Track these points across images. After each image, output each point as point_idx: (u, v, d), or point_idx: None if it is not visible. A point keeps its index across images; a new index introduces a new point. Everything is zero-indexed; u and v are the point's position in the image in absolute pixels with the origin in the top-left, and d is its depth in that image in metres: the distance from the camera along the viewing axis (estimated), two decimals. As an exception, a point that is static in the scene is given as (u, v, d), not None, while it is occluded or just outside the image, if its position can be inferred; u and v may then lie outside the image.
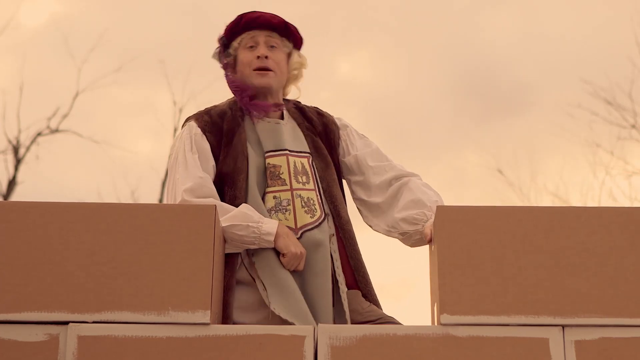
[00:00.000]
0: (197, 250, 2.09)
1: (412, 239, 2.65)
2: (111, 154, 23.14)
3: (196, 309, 2.04)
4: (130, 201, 15.71)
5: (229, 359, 2.01)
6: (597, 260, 2.08)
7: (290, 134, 2.77)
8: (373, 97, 19.24)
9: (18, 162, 15.71)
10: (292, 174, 2.68)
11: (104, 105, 18.98)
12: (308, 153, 2.76)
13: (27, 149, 15.88)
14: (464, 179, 19.14)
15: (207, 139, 2.69)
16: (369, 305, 2.67)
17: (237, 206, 2.55)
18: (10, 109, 17.20)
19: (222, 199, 2.61)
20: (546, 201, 15.91)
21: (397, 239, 2.73)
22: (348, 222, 2.74)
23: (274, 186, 2.65)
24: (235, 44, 2.82)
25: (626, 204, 14.47)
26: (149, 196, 16.75)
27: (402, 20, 19.20)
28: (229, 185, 2.63)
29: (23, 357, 2.00)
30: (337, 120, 2.91)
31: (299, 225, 2.61)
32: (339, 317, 2.58)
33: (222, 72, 2.84)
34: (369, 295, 2.69)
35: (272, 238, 2.52)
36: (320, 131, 2.84)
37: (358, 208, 2.84)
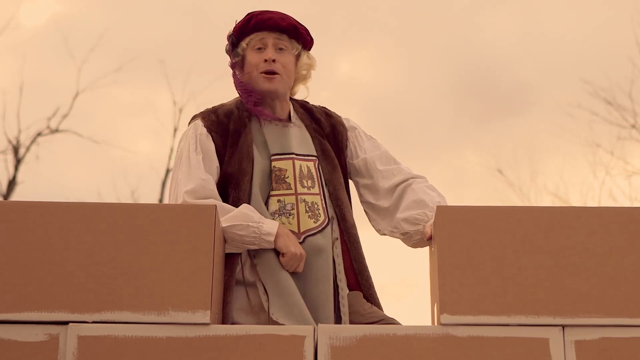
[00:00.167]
0: (197, 250, 2.09)
1: (413, 239, 2.65)
2: (111, 154, 23.15)
3: (196, 309, 2.04)
4: (130, 201, 15.71)
5: (229, 359, 2.01)
6: (597, 260, 2.08)
7: (297, 136, 2.76)
8: (373, 97, 19.25)
9: (18, 162, 15.71)
10: (297, 178, 2.67)
11: (104, 105, 19.00)
12: (314, 156, 2.75)
13: (27, 149, 15.89)
14: (464, 179, 19.15)
15: (213, 139, 2.68)
16: (371, 307, 2.67)
17: None
18: (10, 109, 17.21)
19: (226, 200, 2.60)
20: (546, 201, 15.91)
21: (399, 240, 2.73)
22: (353, 225, 2.74)
23: (279, 190, 2.65)
24: (243, 44, 2.78)
25: (626, 204, 14.47)
26: (149, 196, 16.76)
27: (402, 20, 19.20)
28: (233, 186, 2.62)
29: (23, 357, 2.00)
30: (345, 122, 2.89)
31: (302, 230, 2.60)
32: (338, 323, 2.58)
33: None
34: (371, 298, 2.69)
35: (272, 238, 2.51)
36: (328, 132, 2.82)
37: (365, 211, 2.83)
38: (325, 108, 2.93)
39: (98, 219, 2.11)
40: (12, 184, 15.39)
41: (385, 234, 2.77)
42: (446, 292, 2.06)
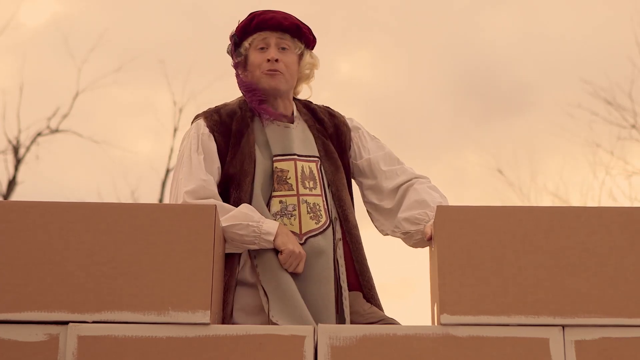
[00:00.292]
0: (197, 250, 2.09)
1: (413, 239, 2.64)
2: (111, 154, 23.17)
3: (196, 309, 2.04)
4: (130, 201, 15.71)
5: (229, 359, 2.01)
6: (597, 260, 2.08)
7: (300, 137, 2.75)
8: (373, 97, 19.25)
9: (18, 162, 15.71)
10: (299, 179, 2.67)
11: (104, 105, 19.00)
12: (317, 157, 2.74)
13: (27, 149, 15.89)
14: (464, 179, 19.15)
15: (215, 139, 2.68)
16: (370, 307, 2.66)
17: None
18: (10, 109, 17.21)
19: (227, 201, 2.60)
20: (546, 201, 15.92)
21: (399, 239, 2.73)
22: (355, 226, 2.73)
23: (281, 191, 2.64)
24: (246, 44, 2.77)
25: (626, 204, 14.47)
26: (149, 196, 16.76)
27: (402, 20, 19.20)
28: (235, 187, 2.62)
29: (23, 357, 2.00)
30: (348, 121, 2.89)
31: (303, 231, 2.60)
32: (340, 323, 2.58)
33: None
34: (372, 299, 2.69)
35: (272, 238, 2.51)
36: (332, 133, 2.82)
37: (368, 211, 2.83)
38: (328, 108, 2.92)
39: (98, 219, 2.11)
40: (12, 184, 15.39)
41: (388, 234, 2.77)
42: (446, 292, 2.06)
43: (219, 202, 2.57)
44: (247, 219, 2.50)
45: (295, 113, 2.82)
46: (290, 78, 2.77)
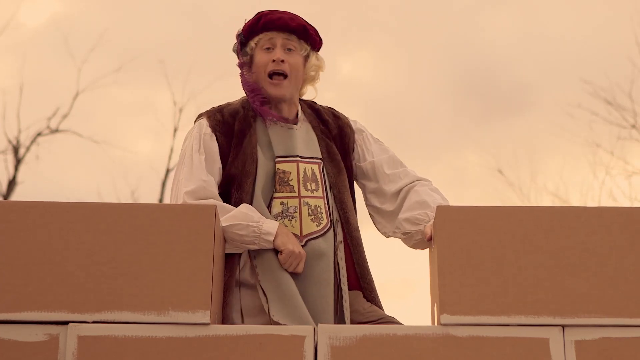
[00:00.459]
0: (197, 250, 2.09)
1: (413, 239, 2.64)
2: (111, 154, 23.19)
3: (196, 309, 2.04)
4: (130, 201, 15.72)
5: (229, 359, 2.01)
6: (597, 260, 2.08)
7: (303, 138, 2.75)
8: (373, 97, 19.26)
9: (18, 162, 15.72)
10: (301, 181, 2.66)
11: (104, 105, 19.00)
12: (319, 159, 2.74)
13: (27, 149, 15.90)
14: (464, 179, 19.16)
15: (217, 139, 2.67)
16: (370, 306, 2.66)
17: None
18: (10, 109, 17.22)
19: (228, 201, 2.60)
20: (546, 201, 15.92)
21: (400, 240, 2.73)
22: (357, 229, 2.73)
23: (282, 192, 2.64)
24: (252, 43, 2.76)
25: (626, 204, 14.47)
26: (149, 196, 16.77)
27: (402, 20, 19.21)
28: (236, 187, 2.62)
29: (23, 357, 2.00)
30: (352, 124, 2.88)
31: (304, 233, 2.60)
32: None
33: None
34: (373, 302, 2.69)
35: (271, 238, 2.51)
36: (335, 134, 2.81)
37: (370, 214, 2.82)
38: (332, 109, 2.91)
39: (98, 219, 2.11)
40: (12, 184, 15.40)
41: (390, 236, 2.77)
42: (446, 292, 2.06)
43: (219, 202, 2.57)
44: (247, 219, 2.50)
45: (300, 114, 2.81)
46: (296, 79, 2.75)
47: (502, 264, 2.08)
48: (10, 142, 15.82)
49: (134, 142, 19.85)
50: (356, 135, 2.86)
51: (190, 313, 2.04)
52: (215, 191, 2.60)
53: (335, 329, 2.05)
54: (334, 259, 2.62)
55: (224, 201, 2.60)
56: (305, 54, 2.79)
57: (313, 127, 2.80)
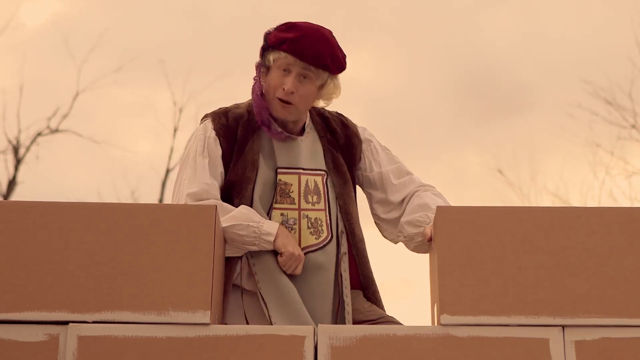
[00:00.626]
0: (197, 250, 2.09)
1: (414, 242, 2.63)
2: (111, 154, 23.21)
3: (196, 309, 2.04)
4: (130, 201, 15.72)
5: (229, 359, 2.01)
6: (597, 260, 2.08)
7: (308, 149, 2.72)
8: (373, 97, 19.26)
9: (18, 162, 15.72)
10: (302, 194, 2.65)
11: (104, 105, 19.02)
12: (324, 171, 2.71)
13: (27, 149, 15.90)
14: (464, 179, 19.17)
15: (220, 144, 2.65)
16: (370, 305, 2.66)
17: None
18: (10, 109, 17.24)
19: None
20: (546, 201, 15.93)
21: (402, 242, 2.73)
22: (362, 240, 2.72)
23: (283, 203, 2.63)
24: (271, 57, 2.66)
25: (626, 204, 14.48)
26: (149, 196, 16.78)
27: (402, 20, 19.22)
28: (236, 193, 2.61)
29: (23, 357, 2.00)
30: (360, 133, 2.83)
31: (302, 246, 2.58)
32: None
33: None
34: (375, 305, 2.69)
35: (272, 238, 2.51)
36: (342, 144, 2.78)
37: (376, 222, 2.80)
38: (342, 116, 2.87)
39: (98, 219, 2.11)
40: (12, 184, 15.40)
41: (397, 242, 2.76)
42: (446, 293, 2.06)
43: (219, 202, 2.57)
44: (247, 220, 2.50)
45: (308, 122, 2.77)
46: (305, 106, 2.68)
47: (502, 264, 2.08)
48: (10, 142, 15.84)
49: (134, 142, 19.88)
50: (364, 145, 2.82)
51: (190, 313, 2.04)
52: (218, 195, 2.59)
53: (335, 329, 2.05)
54: (337, 271, 2.62)
55: None
56: (322, 82, 2.68)
57: (320, 137, 2.77)
